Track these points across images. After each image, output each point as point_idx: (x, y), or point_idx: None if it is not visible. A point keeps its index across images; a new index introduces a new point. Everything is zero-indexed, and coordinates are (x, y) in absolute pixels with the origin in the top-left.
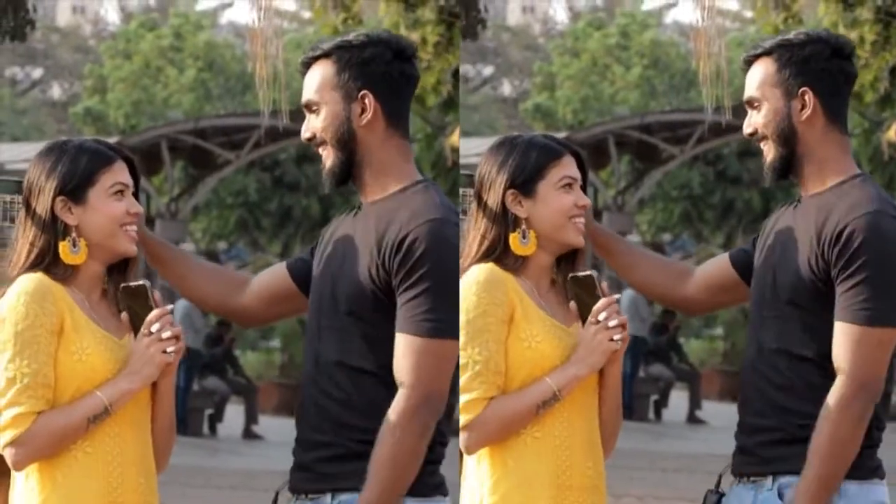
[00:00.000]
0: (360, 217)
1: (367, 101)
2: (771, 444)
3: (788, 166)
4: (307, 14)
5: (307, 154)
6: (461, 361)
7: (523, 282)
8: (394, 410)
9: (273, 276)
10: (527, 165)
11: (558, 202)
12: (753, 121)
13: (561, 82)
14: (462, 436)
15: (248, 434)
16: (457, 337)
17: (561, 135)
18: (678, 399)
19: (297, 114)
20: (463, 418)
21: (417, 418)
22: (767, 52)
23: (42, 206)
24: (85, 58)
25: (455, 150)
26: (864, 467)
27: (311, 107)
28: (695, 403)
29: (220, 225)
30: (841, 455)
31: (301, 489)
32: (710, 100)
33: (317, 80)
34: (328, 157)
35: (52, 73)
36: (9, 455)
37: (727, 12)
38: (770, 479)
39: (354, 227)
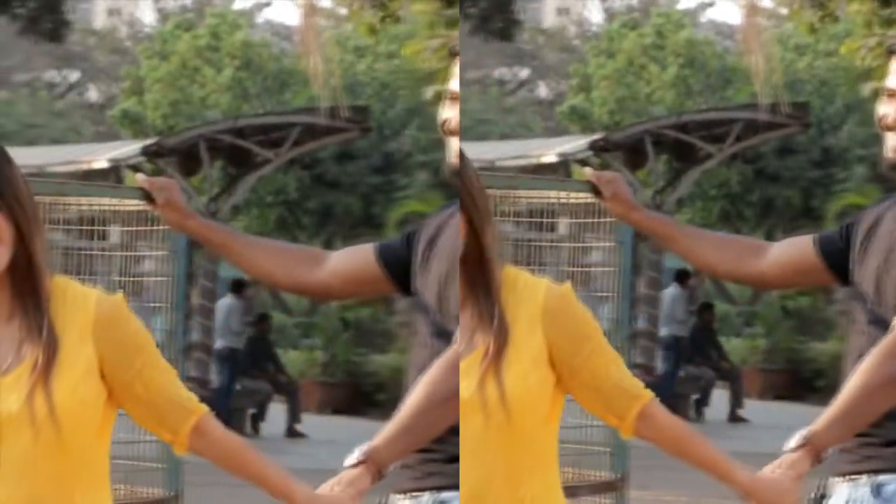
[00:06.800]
0: None
1: None
2: (869, 445)
3: None
4: (343, 11)
5: (347, 151)
6: None
7: None
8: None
9: (358, 256)
10: None
11: None
12: None
13: (597, 83)
14: None
15: (292, 433)
16: None
17: (597, 136)
18: (719, 398)
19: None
20: None
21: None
22: None
23: None
24: (122, 59)
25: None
26: None
27: None
28: (736, 402)
29: (259, 224)
30: (873, 398)
31: (403, 489)
32: (762, 96)
33: None
34: None
35: (89, 75)
36: None
37: (762, 10)
38: (865, 476)
39: None
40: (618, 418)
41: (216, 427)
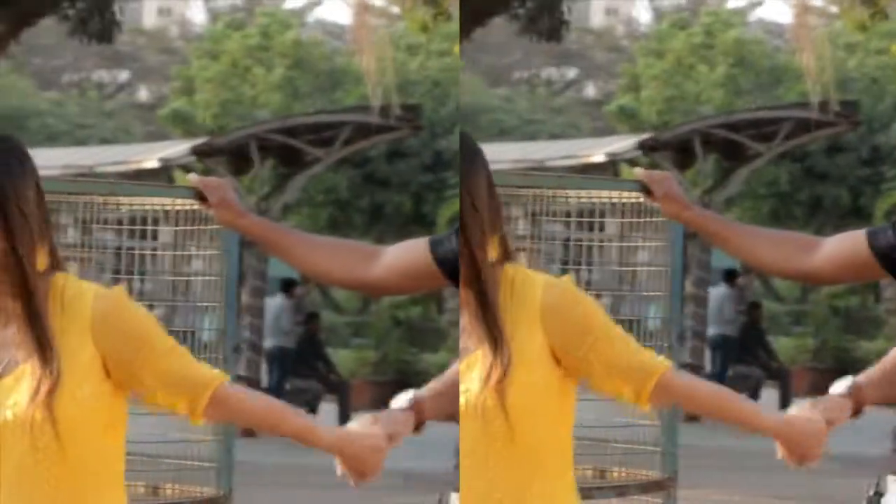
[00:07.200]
0: None
1: None
2: None
3: None
4: (396, 9)
5: (398, 150)
6: None
7: None
8: None
9: (412, 251)
10: None
11: None
12: None
13: (645, 83)
14: None
15: None
16: None
17: (646, 135)
18: (768, 397)
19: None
20: None
21: None
22: None
23: None
24: (171, 59)
25: None
26: None
27: None
28: (785, 401)
29: (310, 223)
30: None
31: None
32: (812, 95)
33: None
34: None
35: (139, 75)
36: None
37: (812, 8)
38: None
39: None
40: (634, 394)
41: (234, 393)
